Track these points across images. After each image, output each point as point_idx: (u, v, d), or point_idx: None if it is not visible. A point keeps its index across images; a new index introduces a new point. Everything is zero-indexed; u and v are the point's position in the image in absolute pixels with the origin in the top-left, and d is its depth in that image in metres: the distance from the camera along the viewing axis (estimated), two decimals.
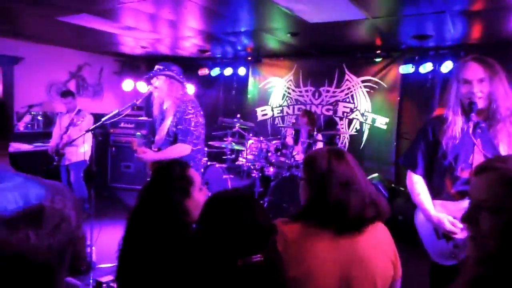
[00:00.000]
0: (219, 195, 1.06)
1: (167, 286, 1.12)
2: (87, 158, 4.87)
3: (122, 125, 6.36)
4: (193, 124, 2.89)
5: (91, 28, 4.65)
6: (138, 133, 2.88)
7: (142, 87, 6.79)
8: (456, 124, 1.99)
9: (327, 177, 1.36)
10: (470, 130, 1.90)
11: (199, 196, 1.48)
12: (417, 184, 2.10)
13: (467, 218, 0.91)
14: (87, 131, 3.07)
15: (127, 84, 6.73)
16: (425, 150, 2.11)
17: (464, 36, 4.23)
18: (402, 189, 5.10)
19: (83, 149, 4.69)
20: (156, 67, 3.02)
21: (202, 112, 3.03)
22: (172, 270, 1.22)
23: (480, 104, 1.93)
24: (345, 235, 1.31)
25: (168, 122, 2.92)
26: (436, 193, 2.06)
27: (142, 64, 7.10)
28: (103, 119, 3.05)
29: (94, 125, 3.14)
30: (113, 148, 6.37)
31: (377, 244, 1.37)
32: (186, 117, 2.88)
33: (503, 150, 1.89)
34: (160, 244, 1.30)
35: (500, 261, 0.82)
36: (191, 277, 0.96)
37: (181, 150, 2.85)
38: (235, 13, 3.90)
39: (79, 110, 4.92)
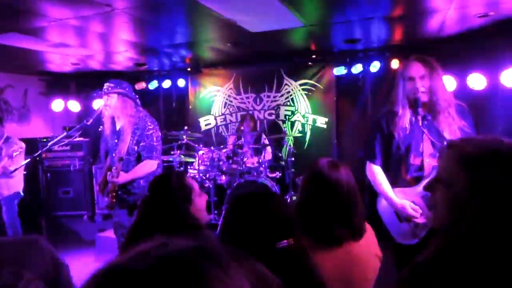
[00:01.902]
0: (246, 193, 1.13)
1: None
2: (21, 189, 4.45)
3: (56, 148, 5.92)
4: (155, 139, 2.87)
5: (15, 47, 4.31)
6: (121, 157, 2.76)
7: (74, 106, 6.43)
8: (405, 117, 2.23)
9: (347, 188, 1.42)
10: (420, 122, 2.15)
11: (200, 201, 1.52)
12: (379, 175, 2.31)
13: (428, 187, 1.02)
14: (33, 158, 2.85)
15: (57, 104, 6.31)
16: (381, 142, 2.33)
17: (388, 38, 4.67)
18: None
19: (16, 180, 4.27)
20: (106, 85, 2.93)
21: (158, 126, 3.01)
22: None
23: (423, 98, 2.19)
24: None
25: (127, 141, 2.84)
26: (394, 180, 2.28)
27: (71, 82, 6.70)
28: (49, 144, 2.87)
29: (39, 152, 2.93)
30: (48, 174, 5.91)
31: (367, 244, 1.49)
32: (148, 133, 2.84)
33: (447, 138, 2.16)
34: None
35: (451, 230, 0.90)
36: None
37: (149, 166, 2.82)
38: (173, 24, 3.89)
39: (8, 137, 4.46)
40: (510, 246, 0.77)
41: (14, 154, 3.77)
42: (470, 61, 4.42)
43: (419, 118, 2.15)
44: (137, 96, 3.01)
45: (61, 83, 6.52)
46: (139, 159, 2.92)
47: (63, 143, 2.89)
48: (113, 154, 2.94)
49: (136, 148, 2.89)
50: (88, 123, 2.90)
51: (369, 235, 1.54)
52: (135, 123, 2.88)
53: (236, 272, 0.43)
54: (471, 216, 0.85)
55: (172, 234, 1.33)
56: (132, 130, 2.86)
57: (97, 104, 2.98)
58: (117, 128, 2.96)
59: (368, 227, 1.55)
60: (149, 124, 2.92)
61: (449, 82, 4.52)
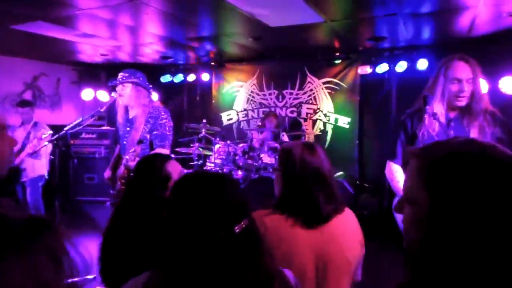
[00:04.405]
0: (189, 175, 1.05)
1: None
2: (45, 172, 4.65)
3: (83, 135, 6.17)
4: (167, 128, 2.92)
5: (47, 36, 4.51)
6: (140, 140, 2.81)
7: (103, 95, 6.64)
8: (436, 117, 2.12)
9: (300, 168, 1.44)
10: (447, 124, 2.07)
11: None
12: (397, 173, 2.24)
13: (396, 207, 0.83)
14: (50, 141, 2.96)
15: (87, 94, 6.55)
16: (404, 141, 2.25)
17: (416, 37, 4.49)
18: (367, 185, 5.30)
19: (41, 163, 4.47)
20: (121, 74, 2.98)
21: (170, 117, 3.05)
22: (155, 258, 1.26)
23: (464, 101, 2.08)
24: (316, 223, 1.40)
25: (139, 129, 2.89)
26: None
27: (101, 73, 6.93)
28: (65, 128, 2.96)
29: (57, 135, 3.04)
30: (75, 160, 6.16)
31: (347, 227, 1.48)
32: (161, 122, 2.89)
33: None
34: (144, 235, 1.35)
35: (422, 257, 0.73)
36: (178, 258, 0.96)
37: None
38: (197, 18, 3.93)
39: (36, 123, 4.65)
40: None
41: (43, 136, 3.94)
42: (503, 64, 4.17)
43: (446, 120, 2.08)
44: (150, 86, 3.06)
45: (92, 73, 6.77)
46: (150, 149, 2.97)
47: (80, 127, 2.97)
48: (124, 142, 3.00)
49: (148, 136, 2.94)
50: (102, 110, 2.98)
51: (351, 219, 1.53)
52: (149, 112, 2.93)
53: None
54: (434, 247, 0.70)
55: (146, 217, 1.36)
56: (146, 118, 2.91)
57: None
58: (130, 117, 3.02)
59: (350, 212, 1.54)
60: (163, 113, 2.96)
61: (482, 85, 4.29)
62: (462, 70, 2.06)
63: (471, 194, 0.65)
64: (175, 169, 1.56)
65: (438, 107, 2.12)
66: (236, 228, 0.94)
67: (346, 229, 1.47)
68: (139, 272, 1.01)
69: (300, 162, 1.44)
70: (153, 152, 2.90)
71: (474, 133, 2.07)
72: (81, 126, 2.98)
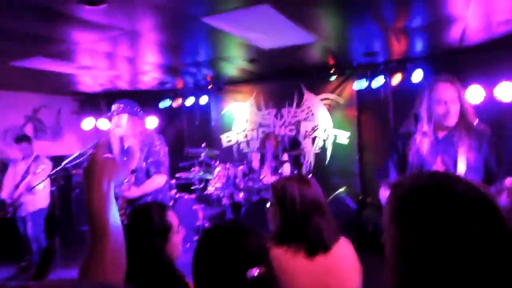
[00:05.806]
0: (214, 227, 1.18)
1: None
2: (46, 205, 4.62)
3: (85, 165, 6.18)
4: (162, 153, 2.94)
5: (46, 70, 4.58)
6: (133, 170, 2.84)
7: (104, 124, 6.68)
8: (425, 138, 2.13)
9: (300, 202, 1.48)
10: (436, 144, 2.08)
11: (177, 238, 1.52)
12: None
13: (383, 239, 0.81)
14: (48, 177, 2.97)
15: (87, 123, 6.60)
16: (396, 162, 2.25)
17: (409, 49, 4.52)
18: (369, 200, 5.26)
19: (41, 196, 4.44)
20: (116, 105, 3.02)
21: (165, 142, 3.08)
22: None
23: (452, 120, 2.09)
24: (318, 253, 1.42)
25: (136, 158, 2.91)
26: None
27: (101, 101, 7.00)
28: (64, 163, 2.97)
29: (55, 169, 3.05)
30: (77, 190, 6.16)
31: (346, 256, 1.50)
32: (155, 149, 2.92)
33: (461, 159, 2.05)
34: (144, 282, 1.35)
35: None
36: None
37: (158, 181, 2.89)
38: (191, 45, 4.00)
39: (37, 157, 4.64)
40: None
41: (37, 171, 3.94)
42: (496, 71, 4.18)
43: (435, 141, 2.09)
44: (144, 115, 3.10)
45: (92, 103, 6.83)
46: (147, 176, 2.98)
47: (79, 160, 2.99)
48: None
49: (144, 164, 2.95)
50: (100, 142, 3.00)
51: (348, 248, 1.55)
52: (143, 140, 2.95)
53: None
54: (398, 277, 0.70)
55: (143, 270, 1.37)
56: (141, 147, 2.94)
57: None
58: (125, 147, 3.04)
59: (346, 240, 1.56)
60: (157, 140, 2.99)
61: (477, 93, 4.30)
62: (446, 90, 2.08)
63: (429, 230, 0.67)
64: (174, 219, 1.56)
65: (426, 128, 2.13)
66: (248, 274, 0.98)
67: (344, 258, 1.49)
68: None
69: (300, 196, 1.48)
70: (149, 180, 2.91)
71: (462, 152, 2.06)
72: (80, 159, 2.99)
